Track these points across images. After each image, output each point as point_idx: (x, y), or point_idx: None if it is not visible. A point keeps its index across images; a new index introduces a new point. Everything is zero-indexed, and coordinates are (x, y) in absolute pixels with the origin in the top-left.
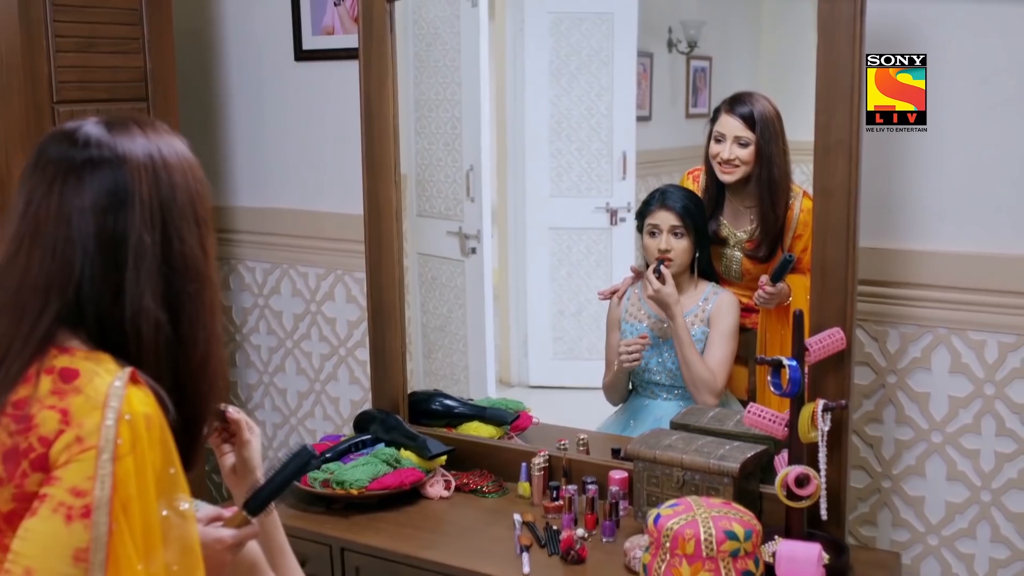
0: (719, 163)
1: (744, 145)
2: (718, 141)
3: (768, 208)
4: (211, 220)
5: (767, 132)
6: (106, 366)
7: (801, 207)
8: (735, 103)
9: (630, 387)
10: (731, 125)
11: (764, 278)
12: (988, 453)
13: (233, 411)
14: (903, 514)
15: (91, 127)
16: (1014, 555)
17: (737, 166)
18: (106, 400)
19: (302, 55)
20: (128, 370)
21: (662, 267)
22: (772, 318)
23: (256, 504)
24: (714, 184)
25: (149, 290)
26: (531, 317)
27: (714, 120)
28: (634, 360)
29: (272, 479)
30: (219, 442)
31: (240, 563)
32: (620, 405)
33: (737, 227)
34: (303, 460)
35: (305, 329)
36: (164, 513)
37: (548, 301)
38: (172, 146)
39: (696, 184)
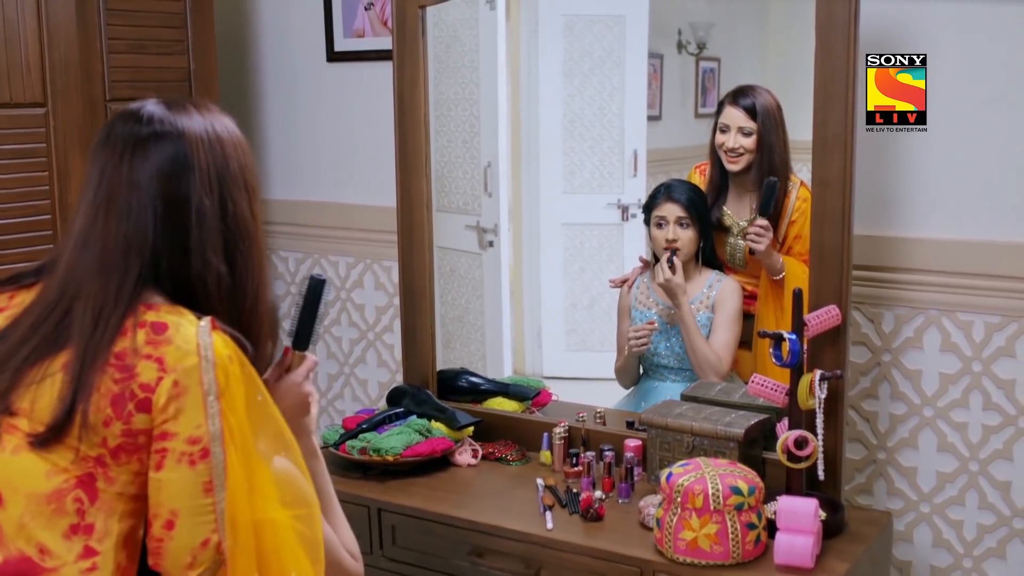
0: (725, 152)
1: (747, 134)
2: (723, 131)
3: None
4: (258, 187)
5: (768, 122)
6: (188, 318)
7: (798, 195)
8: (738, 95)
9: (640, 371)
10: (734, 116)
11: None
12: (976, 426)
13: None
14: (897, 483)
15: (153, 107)
16: (1000, 521)
17: (741, 154)
18: (198, 348)
19: (334, 56)
20: (208, 319)
21: (674, 258)
22: (769, 304)
23: (300, 340)
24: (719, 173)
25: (211, 247)
26: (545, 310)
27: (719, 112)
28: (642, 345)
29: (301, 315)
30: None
31: None
32: (631, 388)
33: (740, 215)
34: (316, 285)
35: (335, 315)
36: (268, 453)
37: (561, 294)
38: (223, 122)
39: (703, 177)
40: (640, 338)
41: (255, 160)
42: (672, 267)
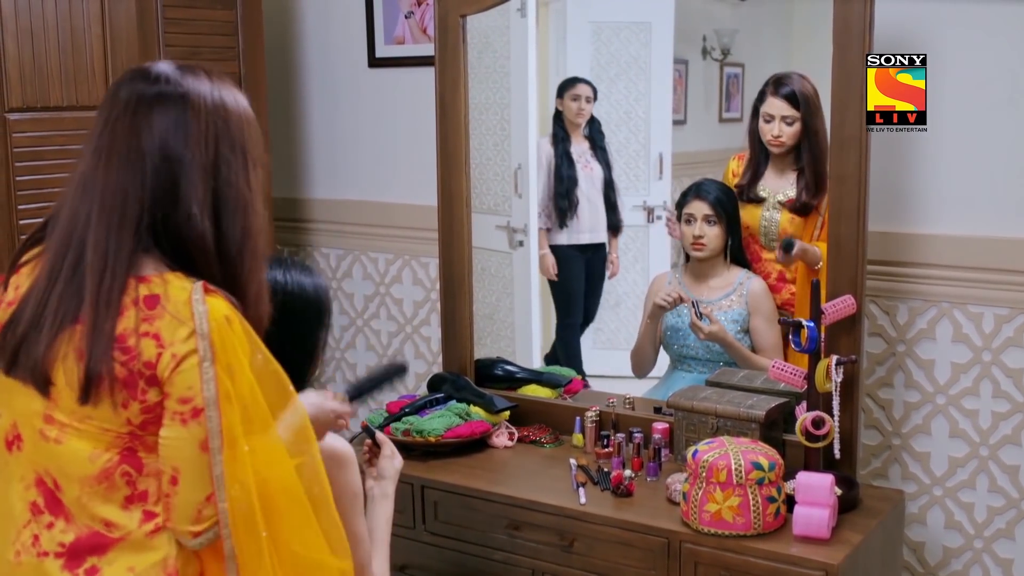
0: (769, 140)
1: (790, 123)
2: (767, 121)
3: (816, 166)
4: (259, 160)
5: (809, 108)
6: (178, 284)
7: None
8: (778, 85)
9: (669, 361)
10: (777, 106)
11: (779, 253)
12: (986, 413)
13: (381, 436)
14: (911, 468)
15: (164, 66)
16: (1009, 503)
17: (783, 142)
18: (192, 315)
19: (375, 62)
20: (200, 283)
21: (700, 308)
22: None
23: (354, 391)
24: (761, 152)
25: (196, 202)
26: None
27: (760, 100)
28: (667, 305)
29: (372, 377)
30: (367, 458)
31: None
32: (657, 379)
33: (777, 189)
34: (398, 367)
35: (374, 309)
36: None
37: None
38: (233, 94)
39: (742, 163)
40: (669, 297)
41: (260, 136)
42: (701, 315)
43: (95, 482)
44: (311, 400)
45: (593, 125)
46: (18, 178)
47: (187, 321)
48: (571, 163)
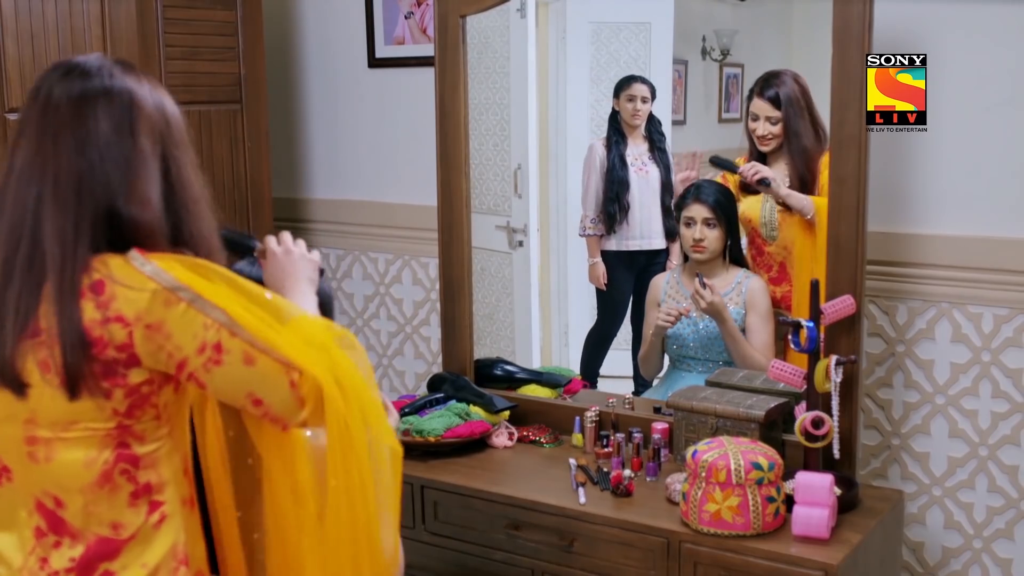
0: (756, 138)
1: (774, 123)
2: (753, 119)
3: (802, 170)
4: (192, 149)
5: (792, 110)
6: (117, 260)
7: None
8: (764, 87)
9: (669, 361)
10: (761, 107)
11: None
12: (985, 413)
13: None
14: (911, 468)
15: (100, 60)
16: (1008, 503)
17: (770, 140)
18: (148, 281)
19: (375, 63)
20: (132, 250)
21: (704, 280)
22: (807, 251)
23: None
24: (755, 148)
25: (152, 188)
26: (572, 309)
27: (750, 99)
28: (669, 324)
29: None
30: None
31: None
32: (657, 379)
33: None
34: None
35: (374, 309)
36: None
37: (588, 294)
38: (166, 97)
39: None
40: (671, 316)
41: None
42: (705, 287)
43: (97, 487)
44: (308, 275)
45: (652, 124)
46: None
47: (144, 285)
48: (624, 166)
